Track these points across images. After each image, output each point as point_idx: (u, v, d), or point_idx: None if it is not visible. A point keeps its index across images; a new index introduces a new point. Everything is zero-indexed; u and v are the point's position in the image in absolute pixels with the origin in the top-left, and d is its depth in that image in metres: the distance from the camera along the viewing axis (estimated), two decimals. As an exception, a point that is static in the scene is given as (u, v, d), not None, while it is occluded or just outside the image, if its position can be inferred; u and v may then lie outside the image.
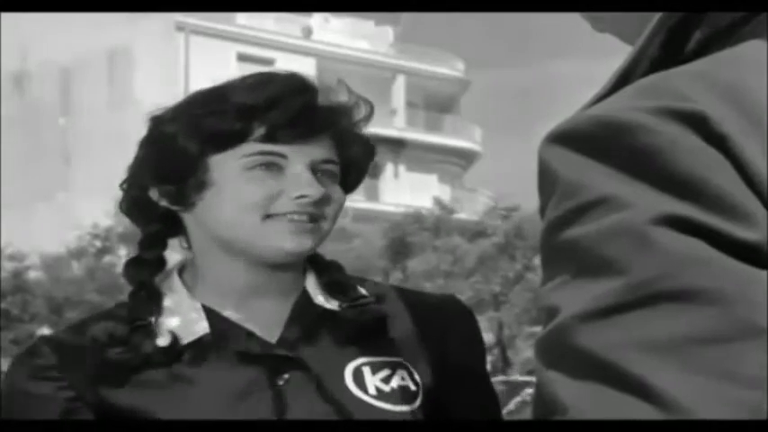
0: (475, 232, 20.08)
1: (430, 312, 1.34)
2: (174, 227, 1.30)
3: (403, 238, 19.87)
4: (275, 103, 1.22)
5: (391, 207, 26.75)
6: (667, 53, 0.65)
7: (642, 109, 0.58)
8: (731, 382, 0.53)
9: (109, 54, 27.66)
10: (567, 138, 0.60)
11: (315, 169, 1.24)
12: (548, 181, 0.61)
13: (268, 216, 1.22)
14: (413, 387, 1.27)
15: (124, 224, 18.93)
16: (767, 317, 0.54)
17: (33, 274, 18.98)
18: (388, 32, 33.10)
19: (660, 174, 0.56)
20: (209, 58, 27.35)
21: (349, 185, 1.31)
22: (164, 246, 1.31)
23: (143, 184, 1.27)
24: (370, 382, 1.25)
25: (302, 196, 1.22)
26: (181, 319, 1.26)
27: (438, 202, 21.84)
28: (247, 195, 1.21)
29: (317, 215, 1.24)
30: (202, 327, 1.25)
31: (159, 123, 1.27)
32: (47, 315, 18.03)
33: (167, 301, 1.27)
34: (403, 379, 1.27)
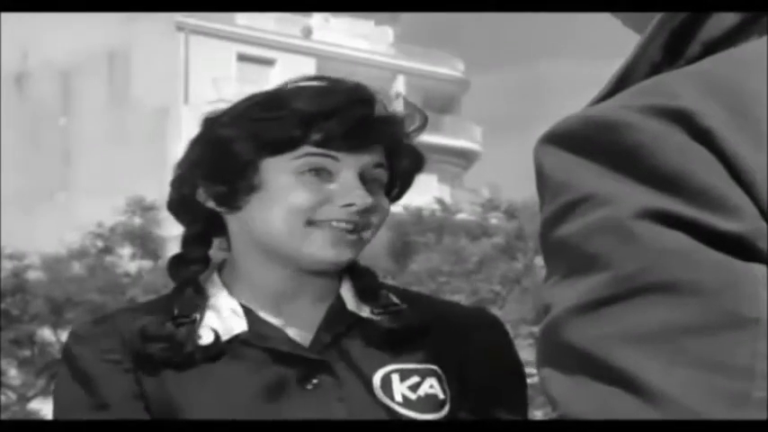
0: (477, 232, 20.06)
1: (461, 323, 1.35)
2: (218, 227, 1.31)
3: (405, 238, 19.84)
4: (334, 113, 1.22)
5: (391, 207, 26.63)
6: (668, 55, 0.65)
7: (630, 107, 0.58)
8: (716, 372, 0.53)
9: (109, 54, 27.63)
10: (557, 137, 0.61)
11: (365, 176, 1.25)
12: (542, 180, 0.62)
13: (311, 222, 1.23)
14: (441, 395, 1.27)
15: (126, 224, 18.92)
16: (753, 308, 0.54)
17: (33, 274, 18.94)
18: (388, 32, 33.08)
19: (643, 169, 0.57)
20: (209, 58, 27.34)
21: (394, 195, 1.33)
22: (208, 245, 1.33)
23: (192, 183, 1.28)
24: (397, 390, 1.25)
25: (350, 204, 1.23)
26: (220, 316, 1.27)
27: (440, 202, 21.81)
28: (295, 199, 1.22)
29: (361, 224, 1.25)
30: (240, 325, 1.26)
31: (214, 126, 1.27)
32: (47, 315, 17.99)
33: (210, 299, 1.28)
34: (431, 387, 1.27)
